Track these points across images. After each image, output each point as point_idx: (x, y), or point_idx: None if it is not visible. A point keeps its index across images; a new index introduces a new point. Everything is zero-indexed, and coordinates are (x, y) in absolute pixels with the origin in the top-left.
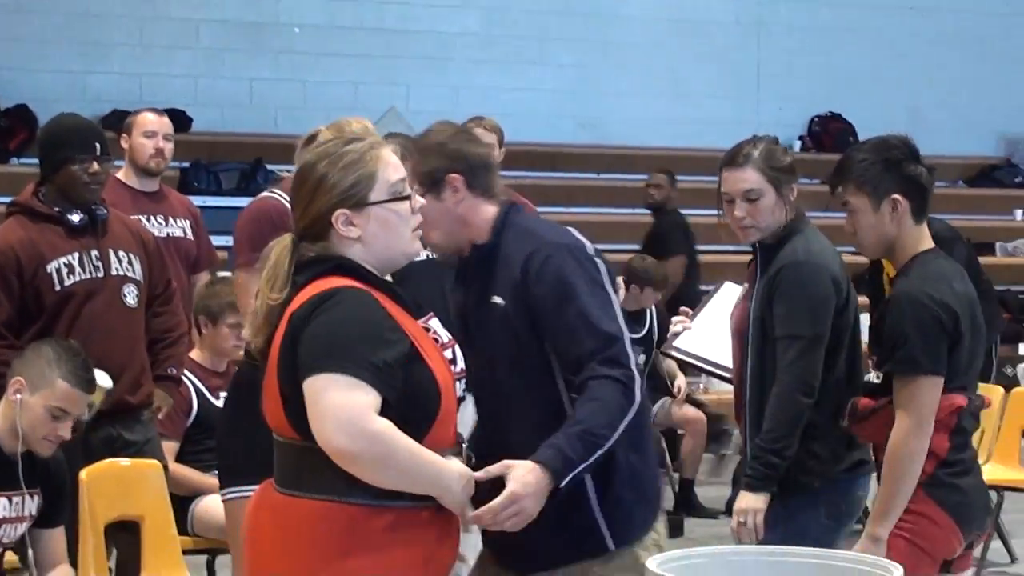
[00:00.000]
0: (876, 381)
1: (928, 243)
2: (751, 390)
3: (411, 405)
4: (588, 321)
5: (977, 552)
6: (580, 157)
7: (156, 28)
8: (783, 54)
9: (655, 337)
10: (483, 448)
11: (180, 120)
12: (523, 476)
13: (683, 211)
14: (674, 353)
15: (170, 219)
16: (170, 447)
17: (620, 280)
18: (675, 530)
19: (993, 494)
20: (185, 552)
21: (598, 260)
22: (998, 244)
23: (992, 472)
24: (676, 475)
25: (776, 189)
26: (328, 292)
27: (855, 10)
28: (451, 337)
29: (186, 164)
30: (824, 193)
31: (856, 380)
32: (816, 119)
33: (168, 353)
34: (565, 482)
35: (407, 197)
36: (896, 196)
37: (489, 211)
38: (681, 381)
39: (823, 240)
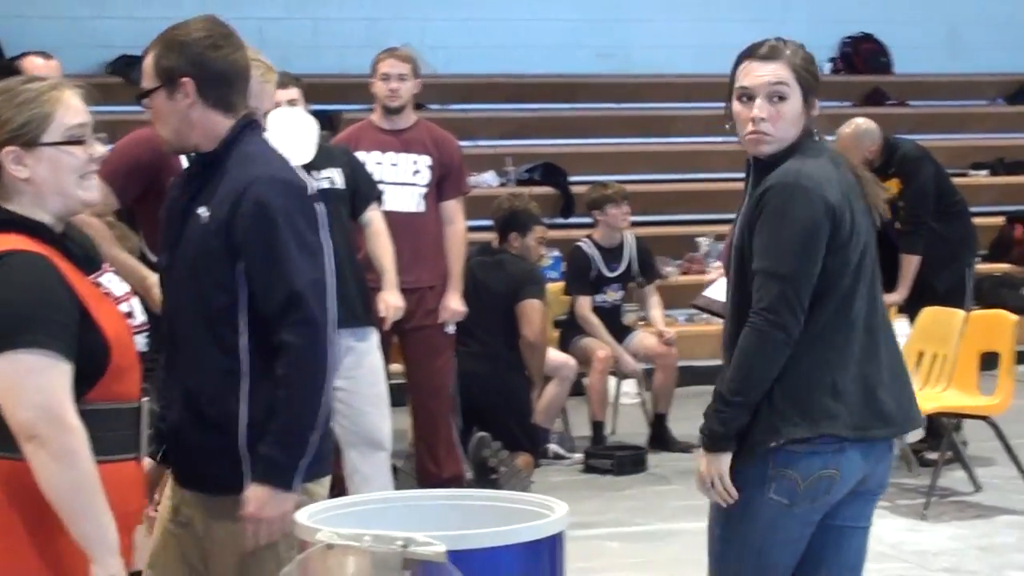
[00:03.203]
0: None
1: None
2: (728, 335)
3: (78, 364)
4: (282, 270)
5: (942, 480)
6: (600, 88)
7: None
8: None
9: (634, 273)
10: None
11: None
12: (251, 501)
13: (704, 139)
14: (701, 303)
15: None
16: None
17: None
18: (638, 465)
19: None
20: None
21: (317, 205)
22: None
23: (951, 398)
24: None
25: (804, 96)
26: None
27: None
28: (128, 290)
29: None
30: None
31: (851, 322)
32: (847, 40)
33: None
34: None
35: (82, 142)
36: None
37: (221, 123)
38: (657, 316)
39: (826, 161)
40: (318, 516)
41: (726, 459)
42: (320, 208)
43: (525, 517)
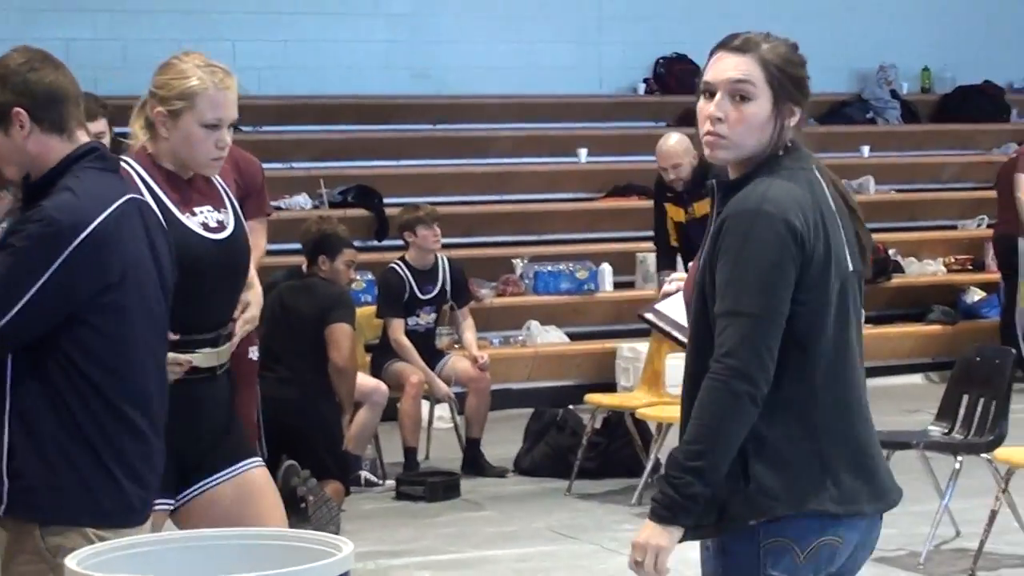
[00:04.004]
0: None
1: None
2: (686, 380)
3: None
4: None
5: (992, 546)
6: (415, 109)
7: None
8: None
9: (447, 294)
10: None
11: None
12: None
13: (520, 160)
14: (649, 316)
15: None
16: None
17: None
18: (451, 491)
19: None
20: None
21: (85, 246)
22: (843, 182)
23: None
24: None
25: (775, 100)
26: None
27: None
28: None
29: None
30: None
31: (843, 378)
32: (661, 60)
33: None
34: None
35: None
36: None
37: (56, 149)
38: (470, 339)
39: (800, 183)
40: (90, 561)
41: (673, 535)
42: (92, 249)
43: (312, 557)
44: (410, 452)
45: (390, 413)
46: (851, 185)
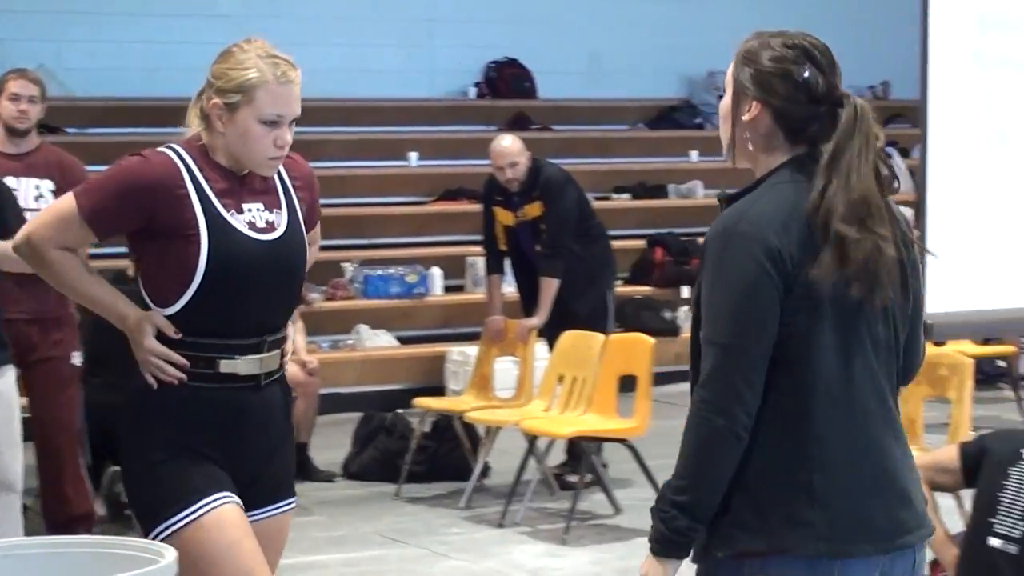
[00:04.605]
0: None
1: None
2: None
3: None
4: None
5: (582, 504)
6: None
7: None
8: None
9: None
10: None
11: None
12: None
13: (350, 163)
14: None
15: None
16: None
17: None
18: None
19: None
20: None
21: None
22: (671, 186)
23: (591, 422)
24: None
25: (738, 95)
26: None
27: None
28: None
29: None
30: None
31: (848, 407)
32: (492, 65)
33: None
34: None
35: None
36: None
37: None
38: (299, 343)
39: (789, 197)
40: None
41: (667, 567)
42: None
43: (133, 564)
44: None
45: None
46: (679, 190)
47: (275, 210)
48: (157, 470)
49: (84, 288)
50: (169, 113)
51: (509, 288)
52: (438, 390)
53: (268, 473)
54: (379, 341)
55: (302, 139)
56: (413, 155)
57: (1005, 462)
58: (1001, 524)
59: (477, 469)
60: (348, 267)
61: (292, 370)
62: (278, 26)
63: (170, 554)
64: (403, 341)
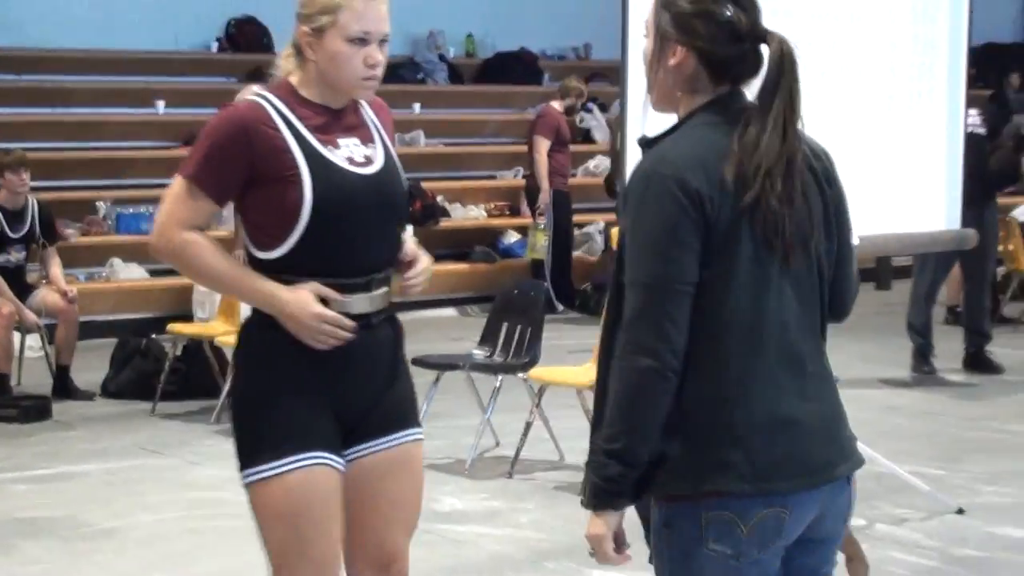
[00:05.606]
0: None
1: None
2: (600, 355)
3: None
4: None
5: (527, 453)
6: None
7: None
8: None
9: (36, 235)
10: None
11: None
12: None
13: (102, 110)
14: None
15: None
16: None
17: None
18: (43, 413)
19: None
20: None
21: None
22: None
23: (535, 370)
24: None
25: (660, 40)
26: None
27: None
28: None
29: None
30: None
31: (761, 347)
32: (232, 22)
33: None
34: None
35: None
36: None
37: None
38: (57, 274)
39: (712, 136)
40: None
41: (608, 520)
42: None
43: None
44: (3, 378)
45: None
46: (403, 139)
47: (370, 144)
48: (262, 411)
49: (224, 271)
50: None
51: None
52: (187, 317)
53: (383, 406)
54: (132, 273)
55: (57, 87)
56: (160, 103)
57: None
58: None
59: (225, 388)
60: (101, 205)
61: (53, 299)
62: None
63: None
64: (153, 274)
